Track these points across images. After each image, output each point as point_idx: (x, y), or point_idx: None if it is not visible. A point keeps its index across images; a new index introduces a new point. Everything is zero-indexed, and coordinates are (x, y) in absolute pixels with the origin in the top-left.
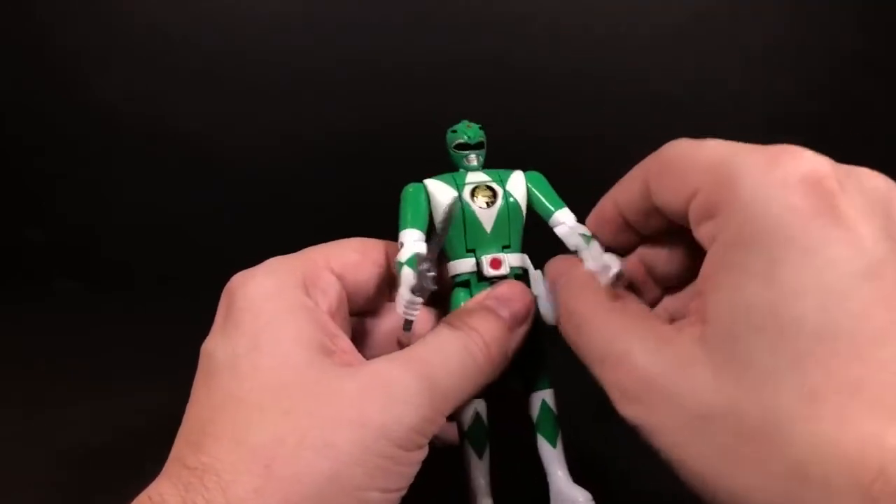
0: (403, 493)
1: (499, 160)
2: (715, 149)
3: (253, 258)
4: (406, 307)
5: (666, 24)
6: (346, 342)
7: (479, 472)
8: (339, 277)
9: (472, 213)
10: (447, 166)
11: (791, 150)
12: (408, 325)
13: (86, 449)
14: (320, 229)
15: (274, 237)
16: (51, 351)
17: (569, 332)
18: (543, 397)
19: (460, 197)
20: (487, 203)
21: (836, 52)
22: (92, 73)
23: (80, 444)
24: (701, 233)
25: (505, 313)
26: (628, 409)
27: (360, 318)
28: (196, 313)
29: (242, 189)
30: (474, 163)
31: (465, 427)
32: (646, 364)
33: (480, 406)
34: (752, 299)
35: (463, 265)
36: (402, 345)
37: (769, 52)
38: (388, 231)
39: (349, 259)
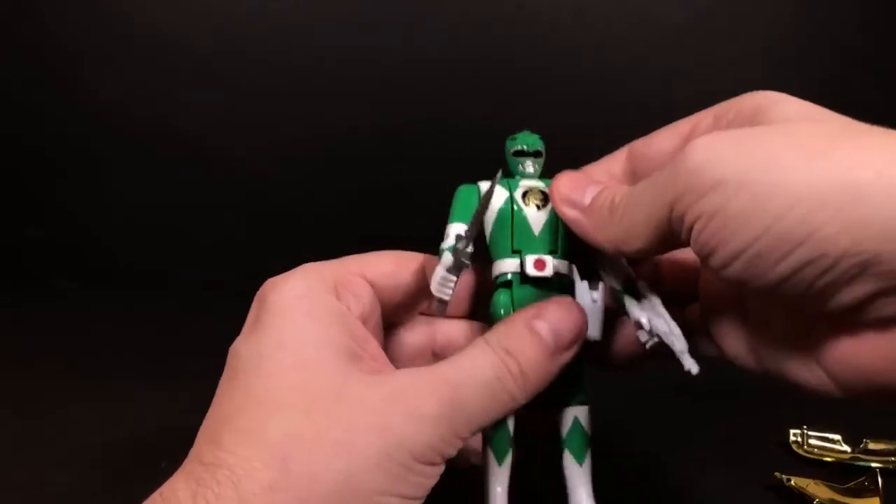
0: (421, 502)
1: (500, 159)
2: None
3: (252, 257)
4: (439, 283)
5: (666, 24)
6: (375, 347)
7: (497, 480)
8: (373, 285)
9: (522, 214)
10: (446, 164)
11: None
12: (441, 306)
13: (86, 449)
14: (320, 228)
15: (274, 237)
16: (51, 351)
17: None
18: (576, 413)
19: (512, 198)
20: (538, 206)
21: (836, 52)
22: (92, 73)
23: (81, 444)
24: None
25: (549, 337)
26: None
27: (392, 329)
28: (196, 313)
29: (242, 189)
30: (530, 169)
31: (489, 432)
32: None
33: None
34: None
35: (506, 265)
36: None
37: (769, 51)
38: (390, 228)
39: (384, 268)
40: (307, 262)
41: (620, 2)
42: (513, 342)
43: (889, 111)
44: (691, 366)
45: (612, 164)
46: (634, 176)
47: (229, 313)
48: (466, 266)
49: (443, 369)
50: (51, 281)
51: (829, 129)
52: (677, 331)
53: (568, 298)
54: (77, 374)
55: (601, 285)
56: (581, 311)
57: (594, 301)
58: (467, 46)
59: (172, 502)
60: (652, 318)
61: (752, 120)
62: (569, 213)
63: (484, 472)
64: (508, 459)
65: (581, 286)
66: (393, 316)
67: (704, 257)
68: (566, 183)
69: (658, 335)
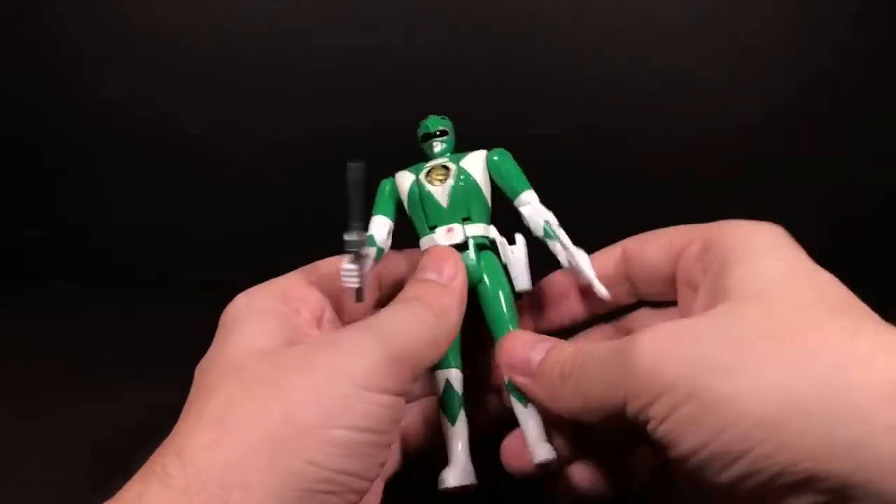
0: (378, 437)
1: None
2: None
3: (252, 257)
4: (343, 274)
5: (666, 24)
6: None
7: (454, 439)
8: (323, 289)
9: (427, 192)
10: None
11: None
12: (357, 295)
13: (86, 449)
14: (320, 228)
15: (274, 237)
16: (51, 351)
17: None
18: None
19: (417, 180)
20: (441, 181)
21: (835, 52)
22: (92, 73)
23: (80, 444)
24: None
25: (435, 276)
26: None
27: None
28: (196, 313)
29: (242, 189)
30: (437, 149)
31: (438, 395)
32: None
33: (452, 375)
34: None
35: (427, 242)
36: None
37: (769, 51)
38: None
39: (327, 269)
40: (307, 262)
41: (620, 2)
42: (414, 290)
43: (888, 111)
44: (603, 291)
45: (607, 261)
46: (629, 280)
47: None
48: (360, 254)
49: (370, 319)
50: (51, 281)
51: (779, 325)
52: (586, 262)
53: (433, 246)
54: (77, 374)
55: (519, 238)
56: (443, 247)
57: (514, 253)
58: (467, 46)
59: (126, 489)
60: (569, 256)
61: (722, 271)
62: (518, 379)
63: (444, 436)
64: (460, 418)
65: (501, 241)
66: (350, 312)
67: (661, 451)
68: (509, 348)
69: (575, 267)
